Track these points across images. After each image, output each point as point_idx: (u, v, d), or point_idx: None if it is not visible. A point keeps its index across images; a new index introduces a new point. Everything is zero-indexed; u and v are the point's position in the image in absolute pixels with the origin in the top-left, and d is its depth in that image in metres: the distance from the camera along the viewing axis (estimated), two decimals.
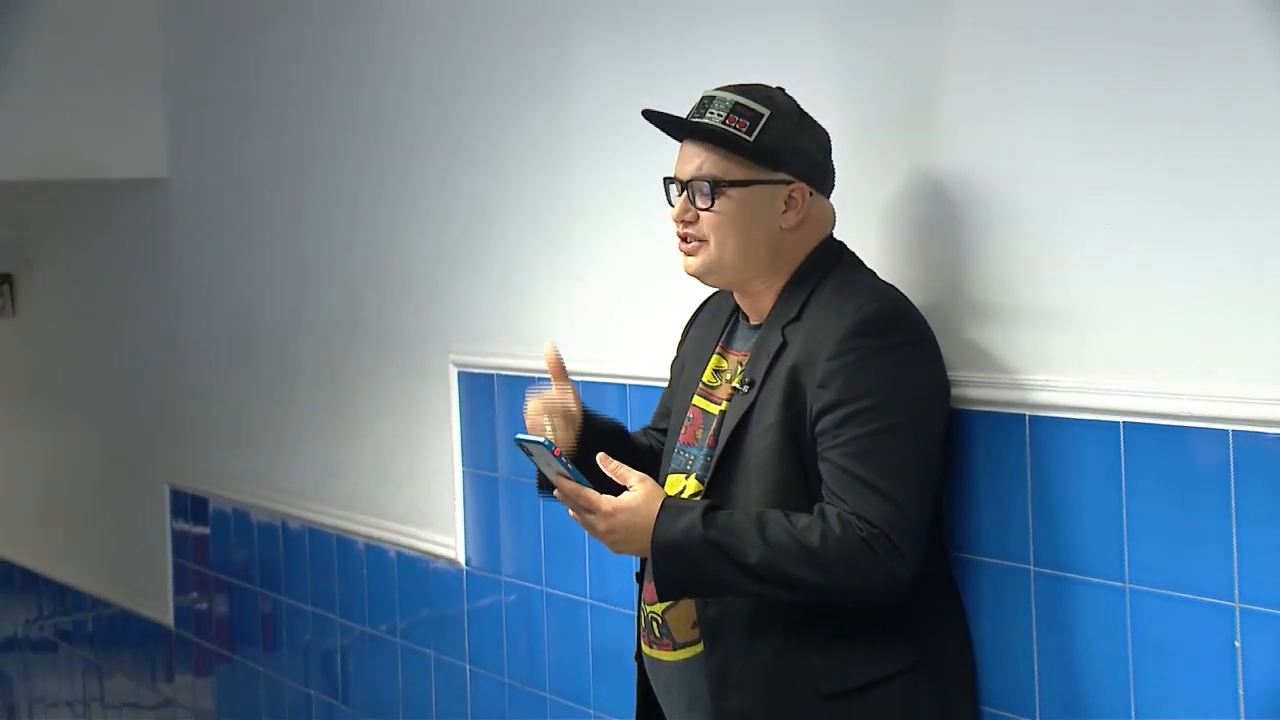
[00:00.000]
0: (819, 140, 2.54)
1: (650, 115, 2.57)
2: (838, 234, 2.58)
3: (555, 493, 2.50)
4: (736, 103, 2.49)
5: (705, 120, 2.49)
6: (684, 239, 2.55)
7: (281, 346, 4.75)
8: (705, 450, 2.56)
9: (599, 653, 3.43)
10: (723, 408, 2.56)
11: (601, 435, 2.66)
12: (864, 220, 2.67)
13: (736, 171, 2.49)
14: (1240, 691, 2.18)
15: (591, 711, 3.46)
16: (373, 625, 4.31)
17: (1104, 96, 2.34)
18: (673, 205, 2.56)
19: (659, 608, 2.57)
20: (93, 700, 6.38)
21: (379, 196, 4.21)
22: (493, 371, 3.76)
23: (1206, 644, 2.21)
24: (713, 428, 2.56)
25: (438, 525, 3.99)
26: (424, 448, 4.04)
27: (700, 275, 2.57)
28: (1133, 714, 2.32)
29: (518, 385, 3.65)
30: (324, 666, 4.57)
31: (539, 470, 2.60)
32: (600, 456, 2.48)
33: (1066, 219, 2.40)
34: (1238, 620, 2.18)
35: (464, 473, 3.88)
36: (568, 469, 2.45)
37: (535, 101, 3.56)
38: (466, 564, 3.89)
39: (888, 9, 2.67)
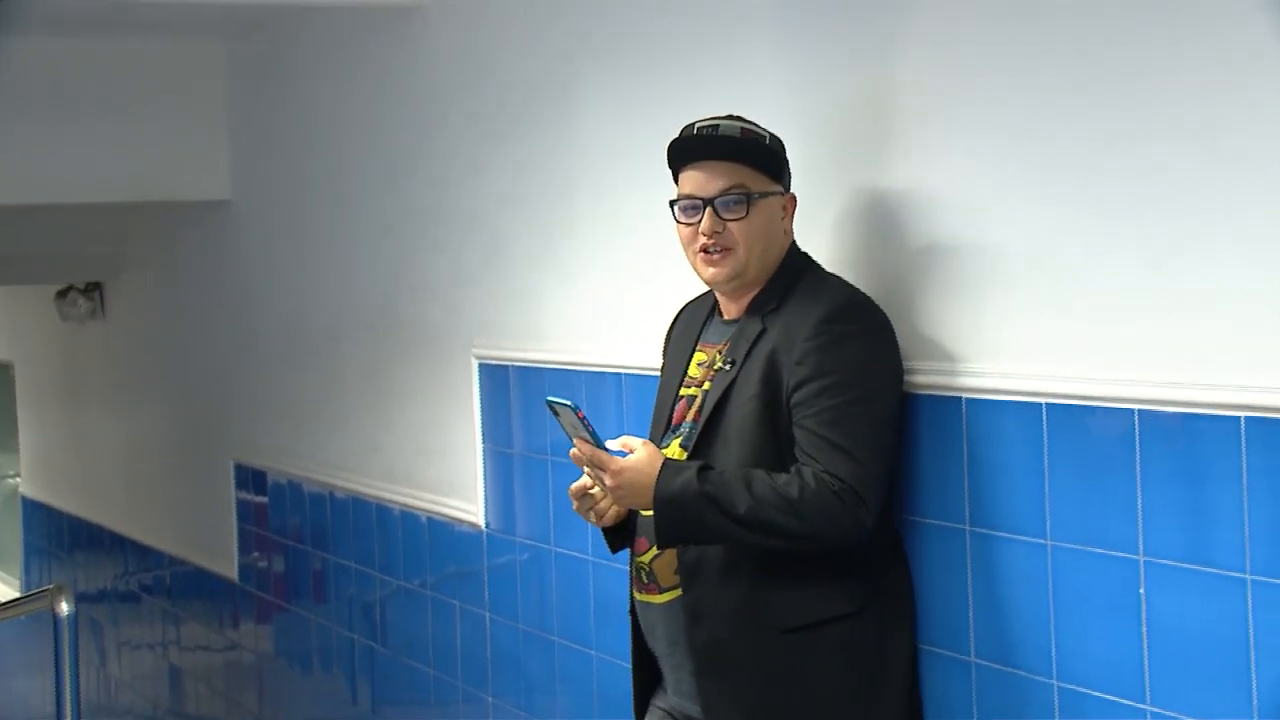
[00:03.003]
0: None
1: (681, 142, 2.48)
2: (804, 246, 2.56)
3: (571, 452, 2.48)
4: (743, 126, 2.47)
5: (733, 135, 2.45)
6: (709, 250, 2.47)
7: (329, 343, 4.73)
8: (690, 424, 2.54)
9: (599, 603, 3.41)
10: (705, 387, 2.53)
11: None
12: (823, 228, 2.65)
13: (761, 184, 2.47)
14: (1144, 630, 2.17)
15: (593, 653, 3.44)
16: (407, 579, 4.28)
17: (1025, 128, 2.32)
18: (686, 224, 2.48)
19: (647, 557, 2.56)
20: (170, 643, 6.36)
21: (411, 216, 4.18)
22: (508, 363, 3.73)
23: (1115, 591, 2.20)
24: (696, 404, 2.54)
25: (462, 494, 3.97)
26: (450, 428, 4.01)
27: (728, 280, 2.49)
28: (1053, 650, 2.31)
29: (530, 375, 3.63)
30: (365, 615, 4.55)
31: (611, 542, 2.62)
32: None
33: (995, 233, 2.38)
34: (1142, 570, 2.17)
35: (484, 449, 3.86)
36: (589, 430, 2.43)
37: (541, 136, 3.54)
38: (486, 527, 3.87)
39: (839, 55, 2.65)
